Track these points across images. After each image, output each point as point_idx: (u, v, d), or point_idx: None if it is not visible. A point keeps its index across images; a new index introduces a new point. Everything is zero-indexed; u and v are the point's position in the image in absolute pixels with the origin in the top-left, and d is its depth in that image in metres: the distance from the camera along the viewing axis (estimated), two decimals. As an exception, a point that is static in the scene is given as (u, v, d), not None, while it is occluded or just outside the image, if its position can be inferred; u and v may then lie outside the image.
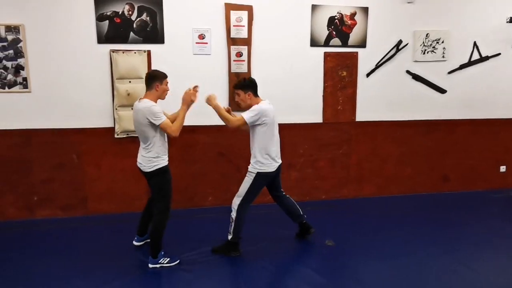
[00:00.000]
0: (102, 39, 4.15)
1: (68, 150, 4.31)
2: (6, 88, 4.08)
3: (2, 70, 4.04)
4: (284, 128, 4.61)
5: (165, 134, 3.34)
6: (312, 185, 4.83)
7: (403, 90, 4.87)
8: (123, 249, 3.72)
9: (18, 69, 4.07)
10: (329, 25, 4.55)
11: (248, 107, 3.50)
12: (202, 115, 4.43)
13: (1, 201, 4.25)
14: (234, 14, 4.32)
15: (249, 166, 3.54)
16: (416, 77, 4.86)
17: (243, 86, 3.52)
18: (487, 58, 4.94)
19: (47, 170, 4.29)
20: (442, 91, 4.94)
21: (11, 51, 4.03)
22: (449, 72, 4.92)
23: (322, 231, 3.91)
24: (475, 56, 4.93)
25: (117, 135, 4.33)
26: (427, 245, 3.75)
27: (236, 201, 3.53)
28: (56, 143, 4.26)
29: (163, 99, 3.41)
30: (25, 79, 4.10)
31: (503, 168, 5.31)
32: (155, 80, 3.28)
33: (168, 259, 3.42)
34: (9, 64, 4.05)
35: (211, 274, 3.29)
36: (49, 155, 4.27)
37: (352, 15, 4.57)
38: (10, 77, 4.07)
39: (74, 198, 4.40)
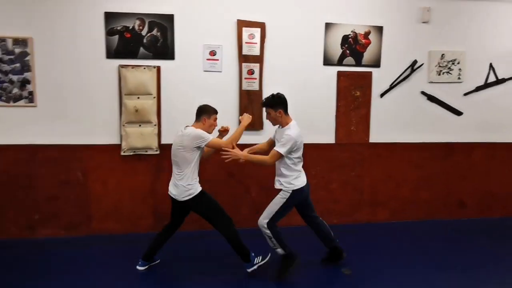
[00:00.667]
0: (112, 53, 4.07)
1: (73, 166, 4.18)
2: (11, 102, 3.98)
3: (8, 84, 3.96)
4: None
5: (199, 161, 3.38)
6: (325, 208, 4.63)
7: (418, 111, 4.74)
8: (128, 271, 3.54)
9: (24, 83, 3.98)
10: (342, 44, 4.46)
11: (280, 124, 3.39)
12: (211, 134, 4.32)
13: (3, 218, 4.10)
14: (246, 31, 4.25)
15: (280, 186, 3.38)
16: (432, 98, 4.73)
17: (273, 103, 3.35)
18: (503, 80, 4.82)
19: (51, 187, 4.15)
20: (458, 113, 4.80)
21: (17, 65, 3.95)
22: (465, 94, 4.79)
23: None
24: (491, 78, 4.81)
25: (124, 152, 4.19)
26: (446, 275, 3.55)
27: (263, 220, 3.35)
28: (62, 159, 4.14)
29: (210, 133, 3.39)
30: (31, 93, 4.00)
31: (521, 194, 5.11)
32: (203, 113, 3.35)
33: (261, 257, 3.44)
34: (15, 77, 3.96)
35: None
36: (54, 171, 4.14)
37: (366, 34, 4.49)
38: (15, 90, 3.98)
39: (78, 217, 4.24)
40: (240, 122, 3.55)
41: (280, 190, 3.39)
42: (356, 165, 4.70)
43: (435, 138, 4.81)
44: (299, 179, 3.39)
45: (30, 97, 4.00)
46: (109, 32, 4.04)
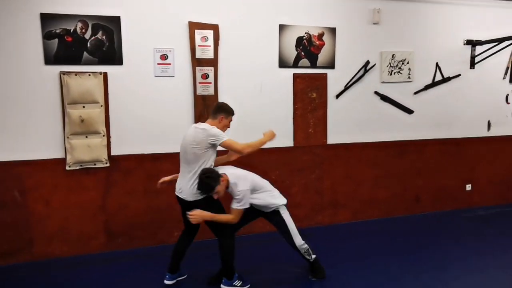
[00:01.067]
0: (51, 59, 3.70)
1: (9, 186, 3.73)
2: None
3: None
4: (255, 153, 4.36)
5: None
6: (286, 213, 4.54)
7: (373, 111, 4.80)
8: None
9: (-52, 94, 3.50)
10: (297, 46, 4.41)
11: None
12: (165, 143, 4.09)
13: None
14: (199, 34, 4.05)
15: (272, 208, 3.35)
16: (385, 98, 4.82)
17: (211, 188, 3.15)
18: (449, 79, 5.03)
19: (-17, 211, 3.68)
20: (409, 111, 4.93)
21: None
22: (415, 93, 4.94)
23: (304, 264, 3.60)
24: (438, 77, 5.00)
25: (69, 167, 3.82)
26: (411, 270, 3.61)
27: (297, 241, 3.35)
28: (-6, 178, 3.69)
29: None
30: (-44, 105, 3.53)
31: (468, 187, 5.35)
32: (221, 112, 3.26)
33: (241, 282, 3.27)
34: None
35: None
36: (-15, 193, 3.67)
37: (320, 36, 4.47)
38: None
39: (16, 242, 3.79)
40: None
41: (278, 211, 3.36)
42: (316, 168, 4.66)
43: (390, 136, 4.90)
44: (274, 193, 3.41)
45: (-45, 110, 3.53)
46: (47, 36, 3.66)
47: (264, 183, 3.38)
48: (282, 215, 3.37)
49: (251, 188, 3.19)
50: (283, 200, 3.41)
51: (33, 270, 3.68)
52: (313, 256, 3.45)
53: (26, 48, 3.64)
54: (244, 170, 3.34)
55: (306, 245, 3.39)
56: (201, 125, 3.20)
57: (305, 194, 4.64)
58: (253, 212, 3.38)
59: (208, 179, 3.01)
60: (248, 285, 3.32)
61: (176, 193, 3.23)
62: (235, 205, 3.15)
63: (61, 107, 3.77)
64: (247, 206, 3.17)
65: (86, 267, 3.74)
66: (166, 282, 3.37)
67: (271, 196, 3.36)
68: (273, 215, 3.37)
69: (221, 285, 3.29)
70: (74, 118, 3.75)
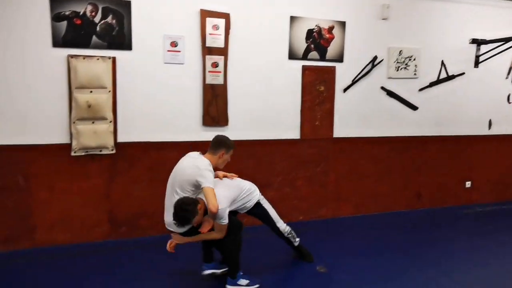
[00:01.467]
0: (59, 42, 3.60)
1: (13, 170, 3.64)
2: None
3: None
4: (261, 145, 4.39)
5: None
6: (291, 205, 4.53)
7: (379, 106, 4.81)
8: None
9: (-48, 73, 3.38)
10: (307, 38, 4.38)
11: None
12: (171, 131, 4.04)
13: None
14: (210, 22, 3.99)
15: (255, 201, 3.34)
16: (390, 94, 4.83)
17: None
18: (453, 76, 5.06)
19: (-15, 195, 3.58)
20: (414, 108, 4.96)
21: None
22: (420, 89, 4.96)
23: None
24: (443, 74, 5.03)
25: (74, 152, 3.74)
26: (412, 264, 3.67)
27: (280, 225, 3.43)
28: (-1, 162, 3.59)
29: (220, 168, 3.27)
30: (-40, 85, 3.41)
31: (468, 184, 5.42)
32: (223, 147, 3.16)
33: (248, 281, 3.13)
34: None
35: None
36: (-12, 177, 3.58)
37: (330, 29, 4.45)
38: None
39: (18, 228, 3.70)
40: None
41: (257, 203, 3.35)
42: (321, 161, 4.65)
43: (393, 132, 4.92)
44: (251, 189, 3.36)
45: (-41, 90, 3.41)
46: (56, 18, 3.56)
47: (243, 187, 3.28)
48: (263, 205, 3.37)
49: (230, 203, 3.08)
50: (258, 191, 3.38)
51: (35, 257, 3.61)
52: (297, 240, 3.53)
53: (34, 30, 3.53)
54: (228, 184, 3.24)
55: (288, 227, 3.46)
56: (198, 160, 3.06)
57: (310, 187, 4.64)
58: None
59: (184, 212, 2.82)
60: (257, 285, 3.16)
61: (168, 228, 3.13)
62: (217, 221, 2.99)
63: (68, 92, 3.68)
64: (227, 220, 3.02)
65: (89, 255, 3.68)
66: (204, 272, 3.29)
67: (249, 194, 3.29)
68: (254, 208, 3.32)
69: (226, 286, 3.16)
70: (81, 103, 3.66)
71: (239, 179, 3.37)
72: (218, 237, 3.02)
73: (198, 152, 3.18)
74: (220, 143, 3.18)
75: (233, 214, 3.21)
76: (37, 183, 3.71)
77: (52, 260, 3.58)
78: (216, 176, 3.19)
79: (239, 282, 3.14)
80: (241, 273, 3.17)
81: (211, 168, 3.07)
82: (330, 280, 3.36)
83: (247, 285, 3.14)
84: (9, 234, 3.68)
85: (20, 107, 3.58)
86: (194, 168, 3.01)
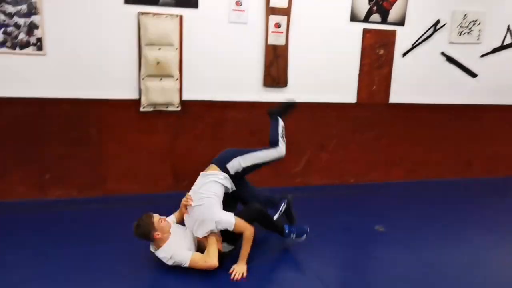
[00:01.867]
0: (130, -1, 3.69)
1: (86, 123, 3.85)
2: (18, 49, 3.54)
3: (13, 28, 3.50)
4: (318, 107, 4.43)
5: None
6: (343, 168, 4.62)
7: (436, 72, 4.71)
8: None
9: (32, 27, 3.53)
10: (370, 0, 4.29)
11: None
12: (233, 91, 4.12)
13: (9, 177, 3.75)
14: (275, -20, 3.96)
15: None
16: (450, 59, 4.72)
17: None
18: (518, 43, 4.88)
19: (62, 145, 3.82)
20: (473, 75, 4.84)
21: (24, 6, 3.48)
22: (482, 56, 4.82)
23: (367, 215, 3.71)
24: (508, 40, 4.85)
25: (143, 108, 3.90)
26: (460, 232, 3.69)
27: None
28: (73, 115, 3.80)
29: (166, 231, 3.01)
30: (39, 39, 3.57)
31: (523, 154, 5.33)
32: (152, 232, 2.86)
33: (294, 234, 3.08)
34: (21, 21, 3.50)
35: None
36: (65, 128, 3.80)
37: (395, -10, 4.33)
38: (22, 36, 3.53)
39: (91, 177, 3.96)
40: None
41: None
42: (375, 126, 4.67)
43: (449, 99, 4.84)
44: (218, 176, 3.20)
45: (39, 44, 3.57)
46: (128, -26, 3.63)
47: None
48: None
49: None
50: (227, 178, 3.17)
51: (105, 204, 3.87)
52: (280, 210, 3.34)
53: (108, -14, 3.62)
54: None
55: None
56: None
57: (363, 151, 4.69)
58: (229, 202, 3.18)
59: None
60: (304, 235, 3.11)
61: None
62: (228, 229, 2.86)
63: (138, 48, 3.80)
64: (233, 220, 2.86)
65: (154, 204, 3.90)
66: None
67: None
68: (238, 187, 3.22)
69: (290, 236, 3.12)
70: (150, 60, 3.78)
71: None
72: (250, 234, 2.85)
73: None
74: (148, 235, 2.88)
75: (232, 210, 3.02)
76: (108, 136, 3.92)
77: (120, 207, 3.83)
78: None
79: (292, 236, 3.12)
80: (287, 226, 3.12)
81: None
82: (389, 238, 3.48)
83: (296, 237, 3.11)
84: (83, 183, 3.95)
85: (93, 62, 3.73)
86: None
